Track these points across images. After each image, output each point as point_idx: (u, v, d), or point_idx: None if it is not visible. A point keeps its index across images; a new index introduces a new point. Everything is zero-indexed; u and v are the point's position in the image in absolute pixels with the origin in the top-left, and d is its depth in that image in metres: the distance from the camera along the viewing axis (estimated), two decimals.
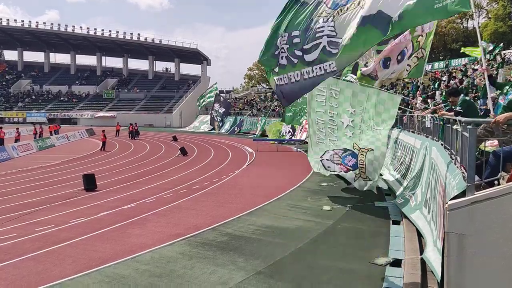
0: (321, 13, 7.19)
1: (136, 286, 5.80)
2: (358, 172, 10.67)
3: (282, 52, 7.53)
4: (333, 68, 6.97)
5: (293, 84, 7.45)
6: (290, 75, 7.43)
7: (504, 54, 27.37)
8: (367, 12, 6.63)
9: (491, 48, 23.79)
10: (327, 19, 7.06)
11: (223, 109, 47.37)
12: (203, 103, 53.69)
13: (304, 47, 7.21)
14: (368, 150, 10.34)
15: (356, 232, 8.20)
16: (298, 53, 7.28)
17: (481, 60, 9.01)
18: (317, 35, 7.11)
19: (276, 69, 7.66)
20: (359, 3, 6.89)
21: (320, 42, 7.07)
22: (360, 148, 10.52)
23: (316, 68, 7.11)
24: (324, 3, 7.23)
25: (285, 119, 30.26)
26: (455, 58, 37.92)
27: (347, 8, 6.99)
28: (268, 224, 8.87)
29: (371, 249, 7.14)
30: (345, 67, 10.96)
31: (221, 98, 49.67)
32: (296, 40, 7.33)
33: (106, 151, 26.99)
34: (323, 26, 7.08)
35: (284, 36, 7.49)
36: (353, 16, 6.85)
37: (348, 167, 10.80)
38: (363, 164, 10.47)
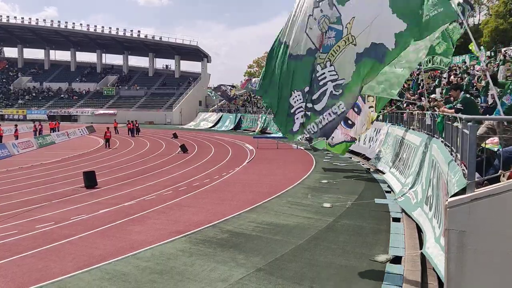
0: (318, 60, 6.98)
1: (136, 282, 5.82)
2: None
3: (299, 112, 7.25)
4: (342, 108, 6.78)
5: (316, 134, 7.22)
6: (309, 128, 7.19)
7: (505, 51, 27.28)
8: (360, 48, 6.47)
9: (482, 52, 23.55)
10: (325, 65, 6.87)
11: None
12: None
13: (313, 98, 7.01)
14: None
15: (356, 229, 8.20)
16: (309, 105, 7.07)
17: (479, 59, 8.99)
18: (321, 83, 6.91)
19: (295, 128, 7.35)
20: (350, 40, 6.66)
21: (326, 89, 6.87)
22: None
23: (326, 115, 6.92)
24: (317, 49, 6.99)
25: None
26: (455, 55, 37.74)
27: (339, 48, 6.75)
28: (268, 221, 8.88)
29: (371, 246, 7.15)
30: (353, 104, 10.62)
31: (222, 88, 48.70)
32: (310, 95, 7.11)
33: (109, 147, 27.07)
34: (323, 73, 6.89)
35: (297, 94, 7.23)
36: (348, 54, 6.66)
37: None
38: None
